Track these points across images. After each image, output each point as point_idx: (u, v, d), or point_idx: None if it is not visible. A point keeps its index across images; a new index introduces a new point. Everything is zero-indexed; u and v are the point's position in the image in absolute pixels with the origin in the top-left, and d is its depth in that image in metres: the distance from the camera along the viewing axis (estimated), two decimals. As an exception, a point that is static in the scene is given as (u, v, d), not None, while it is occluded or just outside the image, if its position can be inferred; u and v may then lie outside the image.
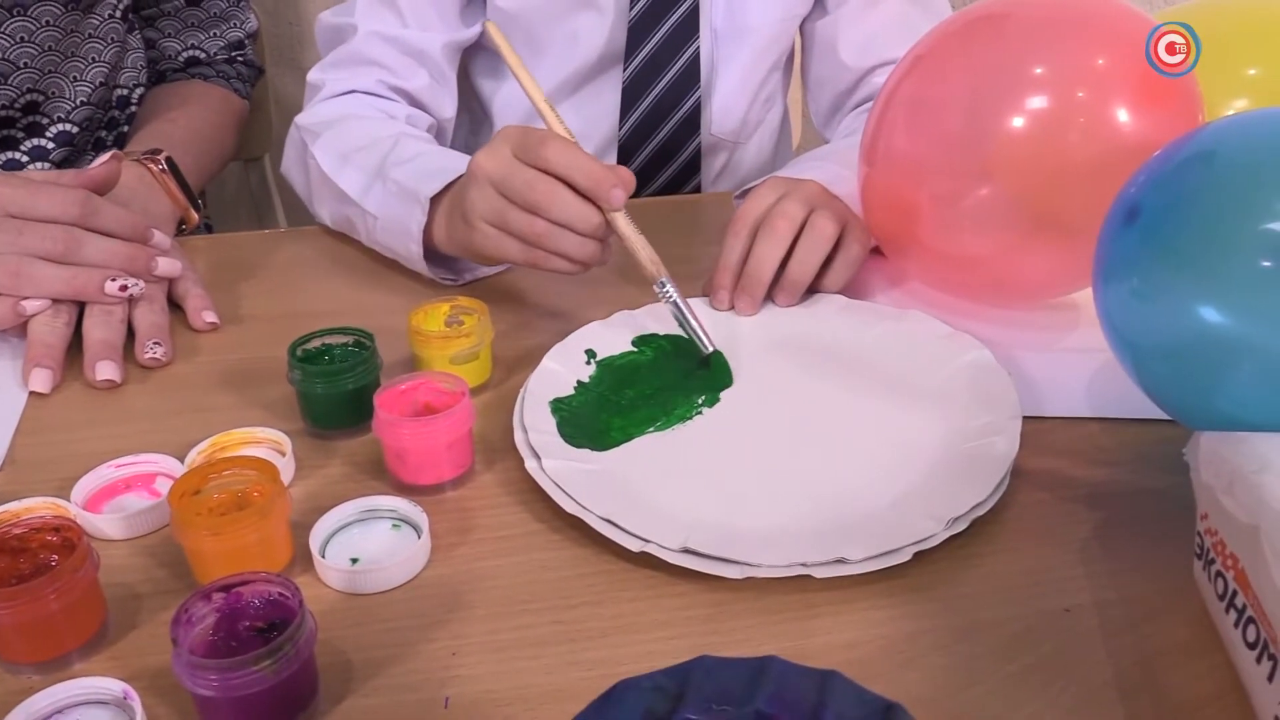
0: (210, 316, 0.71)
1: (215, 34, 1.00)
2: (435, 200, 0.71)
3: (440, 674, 0.44)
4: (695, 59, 0.88)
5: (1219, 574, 0.42)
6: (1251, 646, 0.39)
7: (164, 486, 0.55)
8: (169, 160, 0.83)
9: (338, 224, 0.82)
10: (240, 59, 1.03)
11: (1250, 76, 0.65)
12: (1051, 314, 0.68)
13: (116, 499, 0.55)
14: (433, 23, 0.87)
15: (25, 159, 0.87)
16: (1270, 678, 0.38)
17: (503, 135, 0.64)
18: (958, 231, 0.61)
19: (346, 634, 0.46)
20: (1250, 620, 0.40)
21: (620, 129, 0.90)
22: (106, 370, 0.65)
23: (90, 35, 0.88)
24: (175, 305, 0.72)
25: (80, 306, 0.67)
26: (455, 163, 0.73)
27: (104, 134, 0.94)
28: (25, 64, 0.84)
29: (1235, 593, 0.41)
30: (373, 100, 0.85)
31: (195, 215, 0.82)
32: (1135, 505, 0.53)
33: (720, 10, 0.88)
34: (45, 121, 0.87)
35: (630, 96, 0.89)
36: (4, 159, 0.87)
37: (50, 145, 0.88)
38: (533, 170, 0.62)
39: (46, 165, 0.88)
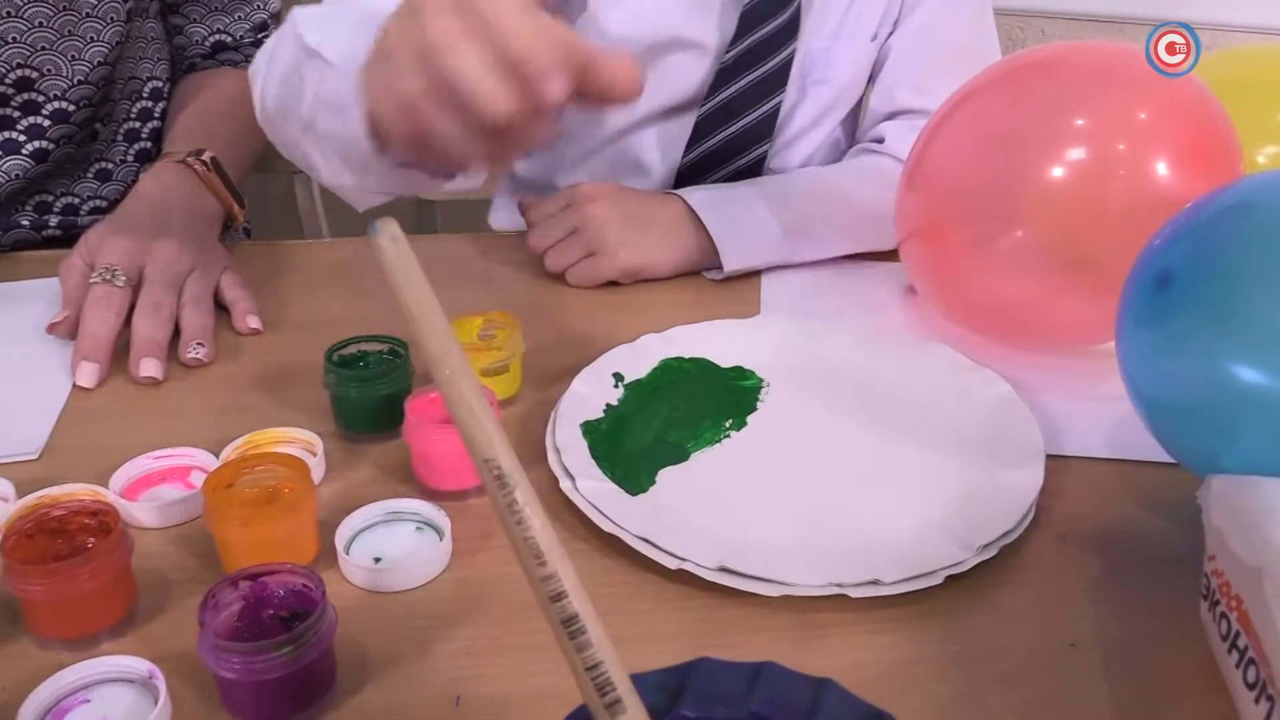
0: (254, 322, 0.74)
1: (239, 16, 1.02)
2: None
3: (453, 672, 0.45)
4: (775, 111, 0.86)
5: (1223, 615, 0.43)
6: (1251, 687, 0.40)
7: (198, 480, 0.57)
8: (213, 160, 0.85)
9: (276, 110, 0.66)
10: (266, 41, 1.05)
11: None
12: (1081, 361, 0.68)
13: (152, 489, 0.57)
14: None
15: (22, 137, 0.89)
16: (1268, 718, 0.38)
17: None
18: (989, 275, 0.62)
19: (365, 629, 0.47)
20: (1251, 661, 0.40)
21: (683, 158, 0.89)
22: (149, 368, 0.67)
23: (87, 14, 0.89)
24: (221, 307, 0.75)
25: (131, 301, 0.70)
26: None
27: (136, 124, 0.97)
28: (13, 39, 0.85)
29: (1238, 634, 0.41)
30: None
31: (240, 212, 0.85)
32: (1146, 546, 0.53)
33: (809, 62, 0.87)
34: (40, 99, 0.88)
35: (700, 133, 0.87)
36: (1, 137, 0.88)
37: (46, 123, 0.89)
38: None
39: (45, 144, 0.89)
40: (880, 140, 0.90)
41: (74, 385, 0.67)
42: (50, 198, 0.93)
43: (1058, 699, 0.45)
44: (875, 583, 0.48)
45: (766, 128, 0.87)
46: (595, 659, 0.26)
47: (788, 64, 0.85)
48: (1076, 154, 0.58)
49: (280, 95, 0.66)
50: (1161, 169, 0.57)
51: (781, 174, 0.89)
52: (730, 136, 0.87)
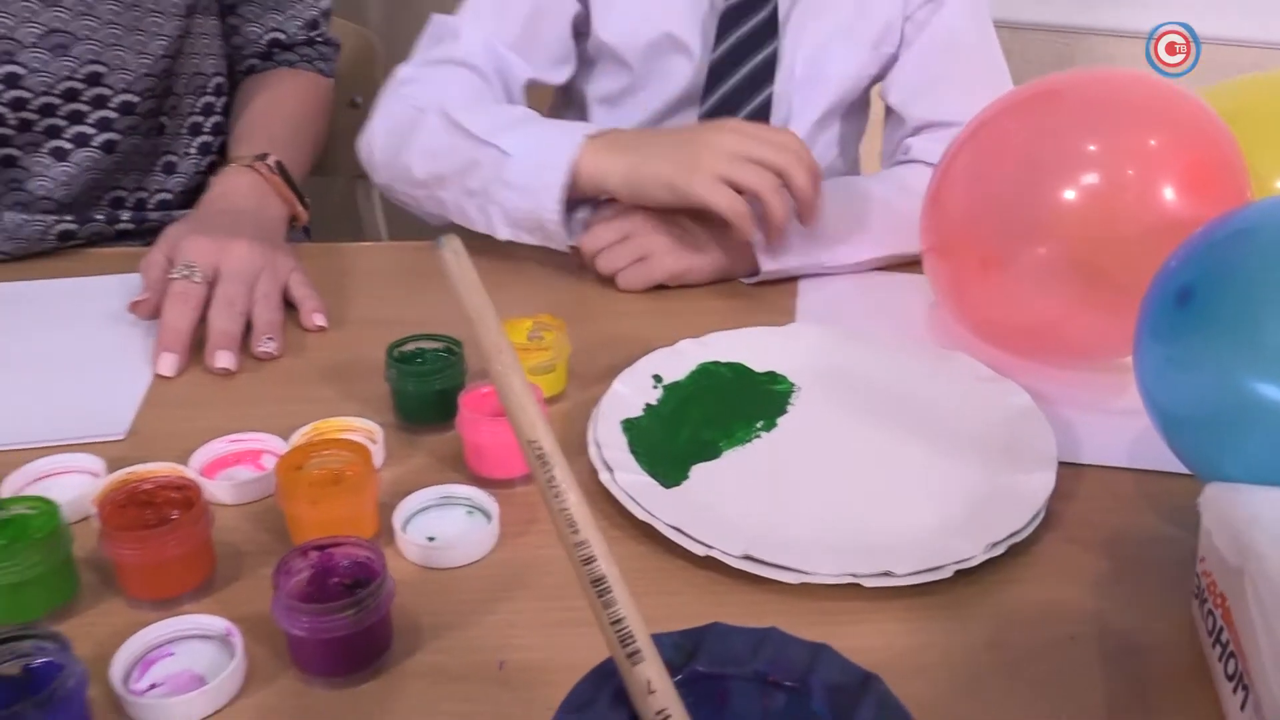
0: (320, 319, 0.79)
1: (292, 14, 1.07)
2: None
3: (498, 642, 0.50)
4: (768, 102, 0.94)
5: (1210, 612, 0.46)
6: (1230, 678, 0.43)
7: (269, 462, 0.62)
8: (278, 164, 0.91)
9: (434, 179, 0.86)
10: (319, 38, 1.10)
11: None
12: (1098, 375, 0.71)
13: (228, 469, 0.62)
14: (530, 51, 0.94)
15: (91, 130, 0.94)
16: (1243, 706, 0.41)
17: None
18: (1006, 293, 0.65)
19: (419, 601, 0.52)
20: (1231, 655, 0.43)
21: None
22: (224, 359, 0.73)
23: (150, 10, 0.94)
24: (288, 304, 0.80)
25: (207, 296, 0.76)
26: (595, 125, 0.84)
27: (199, 118, 1.02)
28: (86, 36, 0.91)
29: (1222, 629, 0.45)
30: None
31: (303, 212, 0.91)
32: (1153, 550, 0.57)
33: (802, 59, 0.94)
34: (108, 92, 0.94)
35: None
36: (74, 131, 0.93)
37: (114, 115, 0.94)
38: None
39: (112, 135, 0.95)
40: (907, 153, 0.95)
41: (155, 374, 0.73)
42: (123, 193, 0.99)
43: (1055, 686, 0.48)
44: (888, 574, 0.52)
45: (762, 118, 0.94)
46: (619, 615, 0.30)
47: (772, 61, 0.93)
48: (1090, 179, 0.61)
49: (431, 168, 0.86)
50: (1171, 192, 0.60)
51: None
52: None
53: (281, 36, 1.07)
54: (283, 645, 0.48)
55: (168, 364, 0.73)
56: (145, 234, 0.98)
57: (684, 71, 0.95)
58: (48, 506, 0.52)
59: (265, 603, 0.48)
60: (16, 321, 0.81)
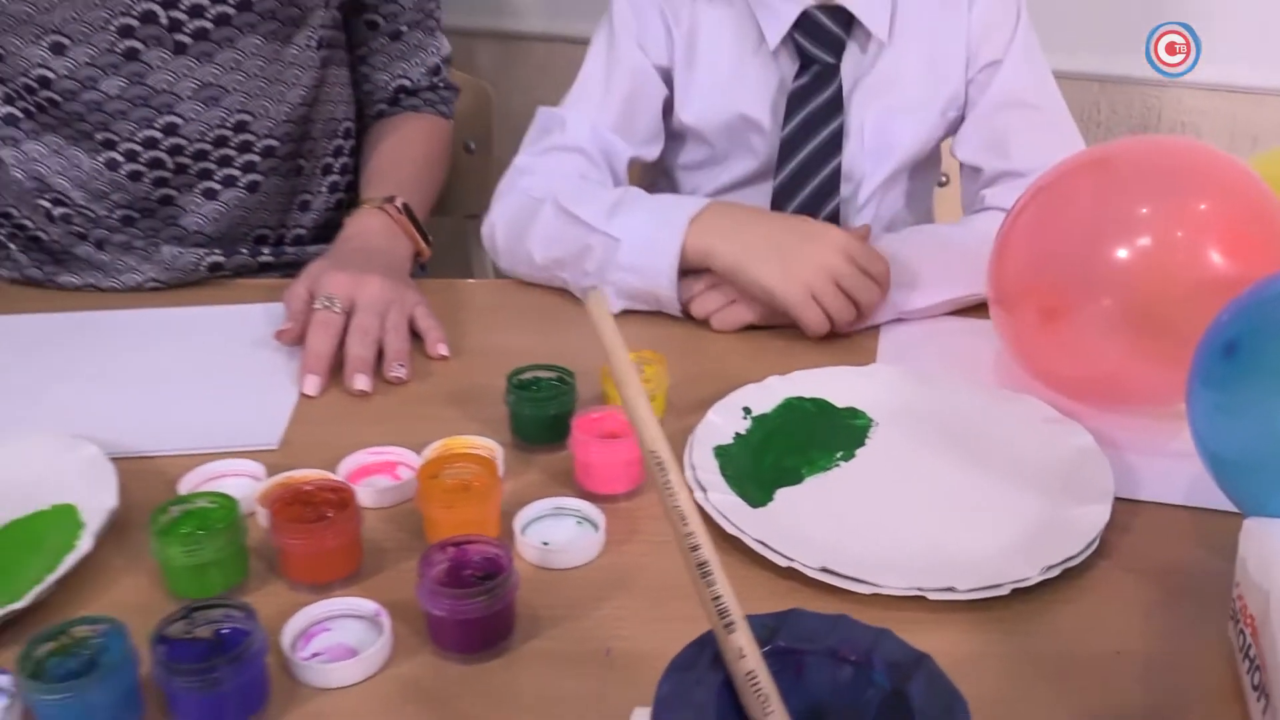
0: (443, 349, 0.88)
1: (416, 62, 1.17)
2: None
3: (605, 633, 0.57)
4: (837, 171, 1.01)
5: (1241, 631, 0.51)
6: (1255, 689, 0.48)
7: (403, 473, 0.70)
8: (405, 206, 1.01)
9: (552, 264, 0.96)
10: (441, 84, 1.19)
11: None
12: (1155, 420, 0.76)
13: (368, 478, 0.71)
14: (630, 132, 1.04)
15: (238, 173, 1.04)
16: (1264, 713, 0.47)
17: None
18: (1065, 344, 0.72)
19: (536, 596, 0.60)
20: (1258, 668, 0.49)
21: None
22: (361, 382, 0.82)
23: (290, 62, 1.04)
24: (415, 335, 0.89)
25: (345, 325, 0.85)
26: (693, 199, 0.92)
27: (330, 160, 1.12)
28: (234, 88, 1.01)
29: (1250, 646, 0.50)
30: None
31: (427, 249, 1.00)
32: (1201, 580, 0.61)
33: (869, 131, 1.01)
34: (253, 139, 1.04)
35: (778, 202, 1.02)
36: (223, 174, 1.04)
37: (258, 159, 1.05)
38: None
39: (256, 177, 1.05)
40: (982, 202, 1.02)
41: (300, 393, 0.82)
42: (265, 229, 1.10)
43: (1097, 695, 0.54)
44: (951, 589, 0.58)
45: (831, 188, 1.01)
46: (717, 593, 0.38)
47: (839, 133, 1.00)
48: (1143, 240, 0.67)
49: (550, 254, 0.95)
50: (1216, 253, 0.66)
51: (894, 233, 1.00)
52: (803, 200, 1.02)
53: (407, 83, 1.17)
54: (422, 626, 0.56)
55: (311, 385, 0.82)
56: (283, 266, 1.09)
57: (759, 146, 1.04)
58: (228, 501, 0.61)
59: (406, 591, 0.57)
60: (179, 343, 0.91)
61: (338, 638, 0.56)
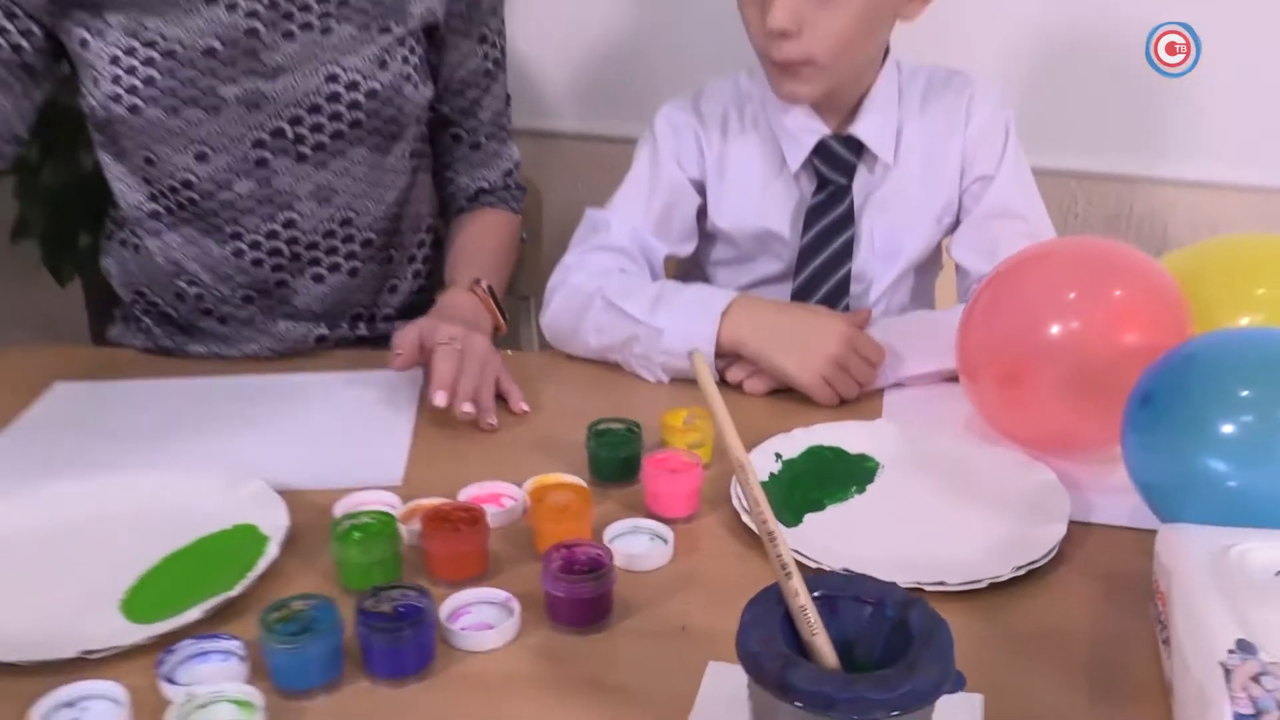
0: (525, 405, 1.07)
1: (494, 167, 1.36)
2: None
3: (679, 616, 0.75)
4: (848, 275, 1.20)
5: (1156, 605, 0.69)
6: (1165, 644, 0.66)
7: (507, 502, 0.88)
8: (489, 287, 1.21)
9: (605, 348, 1.15)
10: (512, 184, 1.39)
11: (1259, 295, 0.93)
12: (1105, 460, 0.94)
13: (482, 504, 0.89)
14: (666, 234, 1.24)
15: (342, 260, 1.24)
16: (1166, 648, 0.65)
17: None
18: (1016, 405, 0.92)
19: (625, 591, 0.77)
20: (1165, 627, 0.67)
21: None
22: (468, 407, 1.00)
23: (389, 169, 1.24)
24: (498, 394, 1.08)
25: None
26: (722, 293, 1.10)
27: (415, 251, 1.32)
28: (343, 190, 1.20)
29: (1160, 613, 0.68)
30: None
31: (504, 323, 1.19)
32: (1137, 581, 0.78)
33: (877, 240, 1.20)
34: (355, 233, 1.23)
35: (797, 299, 1.21)
36: (329, 261, 1.23)
37: (359, 249, 1.24)
38: None
39: (356, 264, 1.25)
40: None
41: (410, 442, 1.01)
42: (361, 309, 1.30)
43: (1055, 663, 0.71)
44: (942, 584, 0.76)
45: (843, 290, 1.20)
46: (779, 551, 0.56)
47: (850, 243, 1.19)
48: (1074, 322, 0.87)
49: (602, 341, 1.14)
50: (1130, 328, 0.85)
51: (894, 316, 1.20)
52: (818, 299, 1.20)
53: (485, 185, 1.37)
54: (540, 609, 0.74)
55: (440, 398, 1.00)
56: (375, 340, 1.29)
57: (781, 252, 1.23)
58: (387, 517, 0.79)
59: (522, 585, 0.75)
60: (305, 402, 1.10)
61: (477, 619, 0.74)
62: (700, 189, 1.25)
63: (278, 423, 1.05)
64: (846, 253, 1.20)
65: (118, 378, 1.16)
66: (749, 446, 0.94)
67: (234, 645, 0.69)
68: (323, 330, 1.25)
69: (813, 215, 1.20)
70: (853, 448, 0.97)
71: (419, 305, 1.33)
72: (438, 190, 1.38)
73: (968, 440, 0.97)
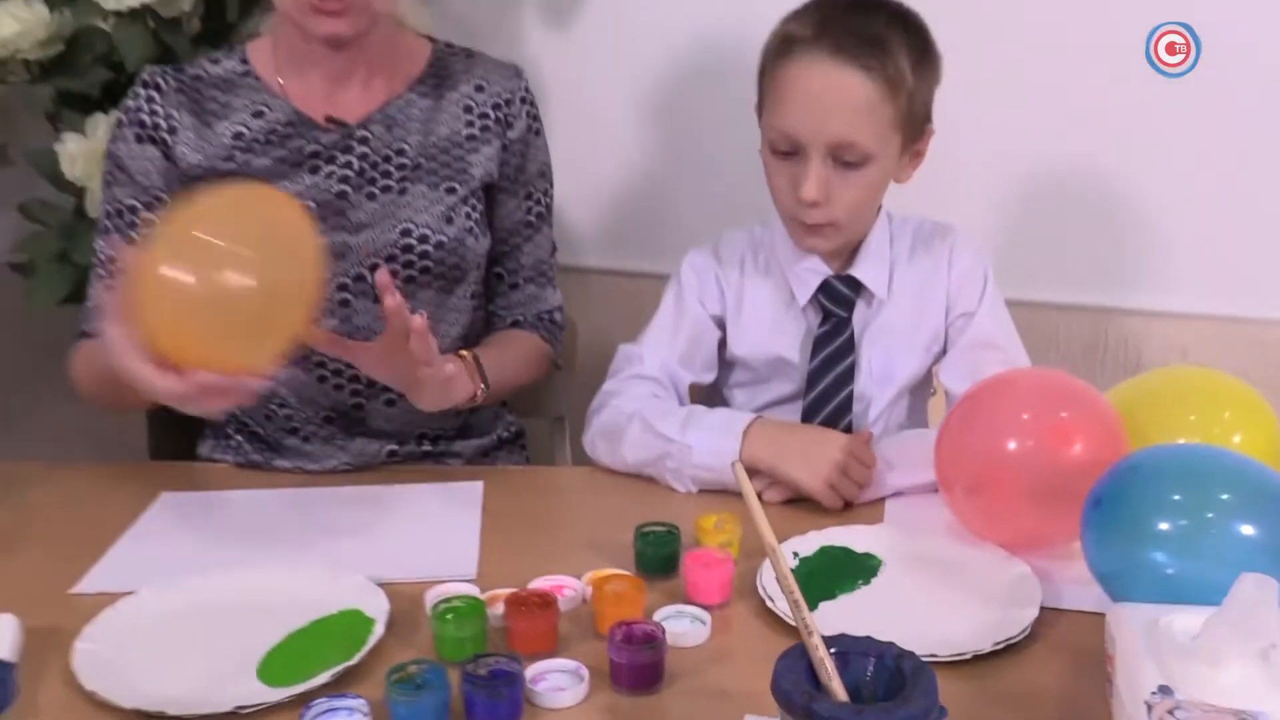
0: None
1: (532, 306, 1.54)
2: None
3: (716, 679, 0.91)
4: (850, 396, 1.38)
5: (1106, 669, 0.86)
6: (1110, 696, 0.82)
7: (569, 592, 1.05)
8: (474, 356, 1.34)
9: (641, 463, 1.33)
10: (548, 321, 1.56)
11: (1190, 421, 1.11)
12: (1073, 557, 1.11)
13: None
14: (691, 365, 1.43)
15: None
16: (1111, 696, 0.81)
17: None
18: (981, 511, 1.09)
19: (671, 662, 0.93)
20: (1111, 684, 0.83)
21: None
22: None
23: (451, 308, 1.43)
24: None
25: None
26: (742, 415, 1.28)
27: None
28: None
29: (1110, 674, 0.84)
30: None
31: (481, 393, 1.32)
32: (1097, 656, 0.94)
33: (875, 366, 1.39)
34: None
35: (807, 417, 1.39)
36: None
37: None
38: None
39: None
40: None
41: (479, 540, 1.17)
42: (426, 429, 1.45)
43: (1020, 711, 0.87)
44: (934, 655, 0.92)
45: (846, 408, 1.38)
46: (804, 617, 0.72)
47: (852, 368, 1.38)
48: (1028, 440, 1.06)
49: (639, 457, 1.31)
50: (1071, 446, 1.04)
51: (891, 435, 1.39)
52: (825, 416, 1.38)
53: (521, 319, 1.55)
54: (604, 676, 0.90)
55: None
56: (438, 455, 1.46)
57: (791, 376, 1.42)
58: (476, 600, 0.96)
59: (589, 657, 0.91)
60: (384, 508, 1.28)
61: (553, 683, 0.90)
62: (720, 323, 1.45)
63: (362, 526, 1.23)
64: (848, 376, 1.38)
65: (214, 489, 1.34)
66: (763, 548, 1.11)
67: (358, 703, 0.86)
68: (393, 446, 1.43)
69: (818, 344, 1.39)
70: (859, 547, 1.14)
71: (475, 424, 1.52)
72: (485, 321, 1.57)
73: (955, 540, 1.14)
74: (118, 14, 1.65)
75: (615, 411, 1.36)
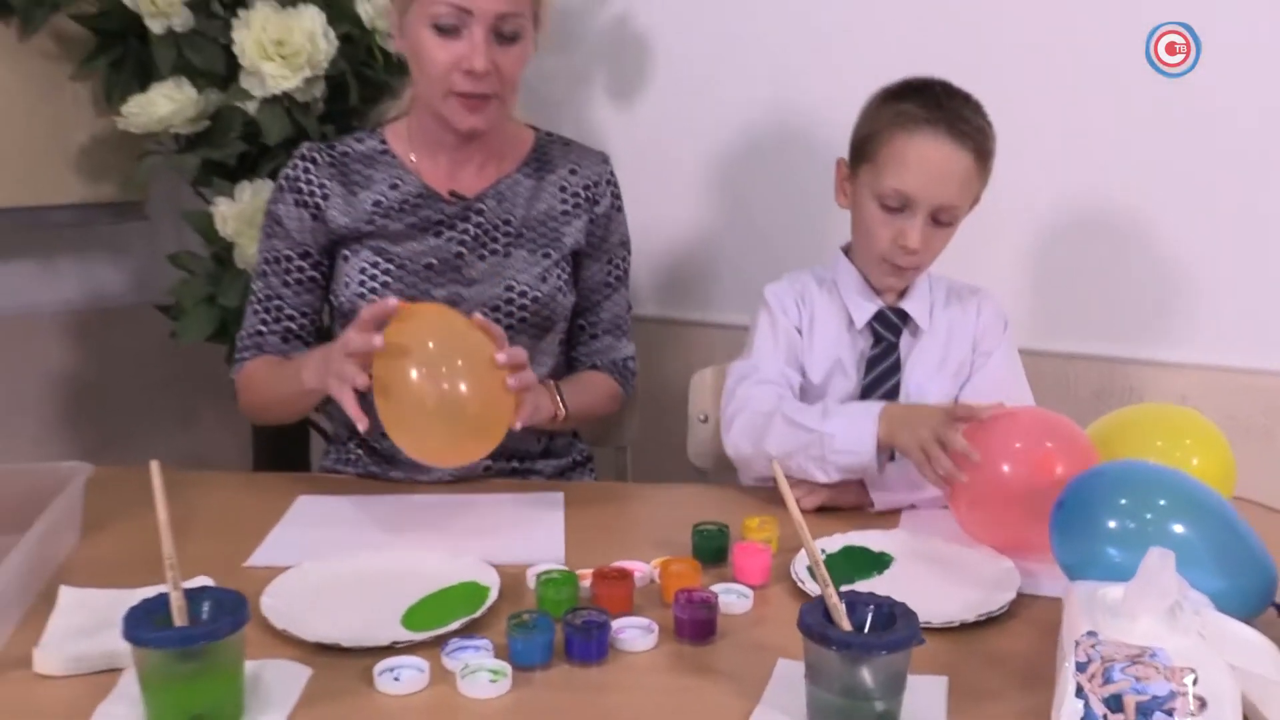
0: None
1: (608, 355, 1.81)
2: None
3: (760, 637, 1.17)
4: None
5: (1060, 635, 1.10)
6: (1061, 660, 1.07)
7: (639, 572, 1.31)
8: (555, 384, 1.62)
9: (786, 454, 1.49)
10: (620, 366, 1.83)
11: (1157, 446, 1.36)
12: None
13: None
14: (794, 367, 1.69)
15: None
16: (1060, 672, 1.05)
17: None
18: (978, 520, 1.35)
19: (722, 624, 1.19)
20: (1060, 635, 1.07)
21: None
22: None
23: (542, 351, 1.71)
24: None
25: None
26: (874, 403, 1.53)
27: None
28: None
29: (1062, 641, 1.09)
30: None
31: (562, 411, 1.58)
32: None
33: (913, 388, 1.66)
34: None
35: None
36: None
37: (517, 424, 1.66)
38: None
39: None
40: None
41: (564, 533, 1.44)
42: (517, 450, 1.73)
43: (1004, 677, 1.11)
44: (929, 623, 1.17)
45: None
46: (823, 571, 0.98)
47: (896, 387, 1.65)
48: (1018, 463, 1.31)
49: (784, 447, 1.51)
50: (1058, 464, 1.29)
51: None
52: None
53: (598, 364, 1.84)
54: (670, 632, 1.16)
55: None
56: (524, 471, 1.74)
57: (851, 388, 1.68)
58: (570, 572, 1.23)
59: (657, 617, 1.17)
60: (485, 510, 1.56)
61: (630, 635, 1.16)
62: (800, 332, 1.72)
63: (469, 523, 1.50)
64: (894, 393, 1.66)
65: (340, 494, 1.62)
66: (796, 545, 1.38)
67: (483, 642, 1.12)
68: (489, 463, 1.71)
69: (871, 363, 1.67)
70: (875, 547, 1.40)
71: (554, 449, 1.79)
72: (569, 365, 1.85)
73: (954, 543, 1.40)
74: (264, 99, 1.97)
75: (754, 413, 1.57)
